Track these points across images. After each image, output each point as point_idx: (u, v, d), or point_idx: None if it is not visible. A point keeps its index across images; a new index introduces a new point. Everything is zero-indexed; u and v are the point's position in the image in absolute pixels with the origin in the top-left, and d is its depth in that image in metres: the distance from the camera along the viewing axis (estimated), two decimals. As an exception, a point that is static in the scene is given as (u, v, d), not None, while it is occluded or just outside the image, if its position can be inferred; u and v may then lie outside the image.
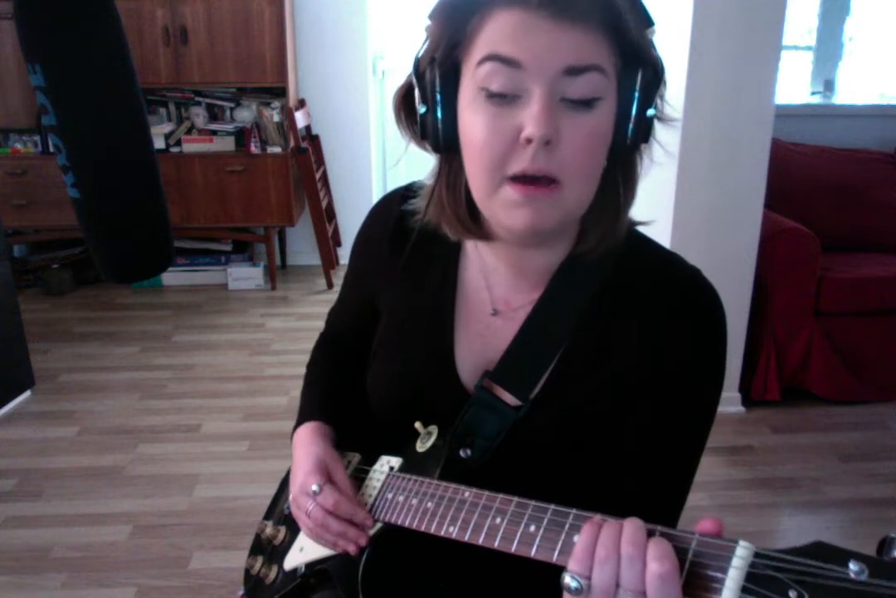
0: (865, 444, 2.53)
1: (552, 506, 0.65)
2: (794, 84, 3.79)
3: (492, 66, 0.67)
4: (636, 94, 0.69)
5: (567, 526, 0.63)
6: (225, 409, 2.75)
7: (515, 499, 0.68)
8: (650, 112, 0.70)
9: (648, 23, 0.69)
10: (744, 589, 0.52)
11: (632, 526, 0.59)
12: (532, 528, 0.65)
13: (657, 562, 0.55)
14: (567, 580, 0.59)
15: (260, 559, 0.99)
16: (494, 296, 0.85)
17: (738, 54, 2.30)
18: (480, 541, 0.68)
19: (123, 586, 1.86)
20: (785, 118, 2.87)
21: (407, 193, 0.90)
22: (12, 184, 3.71)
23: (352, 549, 0.82)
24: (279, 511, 1.02)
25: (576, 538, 0.61)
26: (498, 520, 0.68)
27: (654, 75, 0.69)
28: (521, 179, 0.69)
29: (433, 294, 0.88)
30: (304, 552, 0.92)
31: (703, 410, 0.81)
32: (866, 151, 3.20)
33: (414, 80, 0.73)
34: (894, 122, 3.43)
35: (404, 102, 0.77)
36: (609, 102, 0.69)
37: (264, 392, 2.87)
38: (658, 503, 0.82)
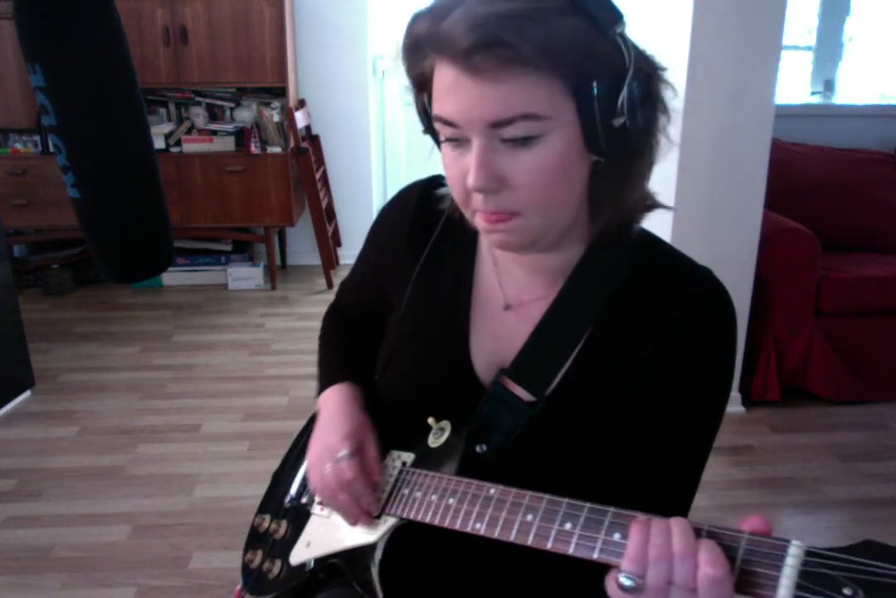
0: (865, 444, 2.54)
1: (588, 504, 0.66)
2: (794, 84, 3.79)
3: (439, 124, 0.73)
4: (595, 109, 0.68)
5: (606, 524, 0.64)
6: (225, 409, 2.74)
7: (546, 496, 0.69)
8: (617, 121, 0.69)
9: (605, 26, 0.67)
10: (798, 587, 0.53)
11: (680, 525, 0.60)
12: (568, 526, 0.65)
13: (710, 566, 0.56)
14: (622, 579, 0.60)
15: (260, 554, 0.98)
16: (507, 294, 0.86)
17: (738, 54, 2.30)
18: (512, 538, 0.69)
19: (123, 586, 1.86)
20: (785, 118, 2.87)
21: (428, 187, 0.91)
22: (12, 184, 3.71)
23: (350, 522, 0.83)
24: (278, 505, 1.02)
25: (616, 537, 0.62)
26: (529, 517, 0.68)
27: (616, 80, 0.68)
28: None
29: (449, 290, 0.89)
30: (311, 546, 0.91)
31: (715, 406, 0.82)
32: (866, 151, 3.19)
33: (414, 101, 0.79)
34: (894, 122, 3.43)
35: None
36: (555, 132, 0.69)
37: (264, 392, 2.86)
38: (670, 498, 0.82)
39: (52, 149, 1.91)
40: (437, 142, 0.78)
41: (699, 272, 0.82)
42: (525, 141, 0.69)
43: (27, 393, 2.82)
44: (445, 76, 0.70)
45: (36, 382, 2.87)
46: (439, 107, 0.72)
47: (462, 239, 0.88)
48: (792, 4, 2.39)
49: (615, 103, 0.69)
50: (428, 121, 0.77)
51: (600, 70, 0.68)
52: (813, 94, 3.73)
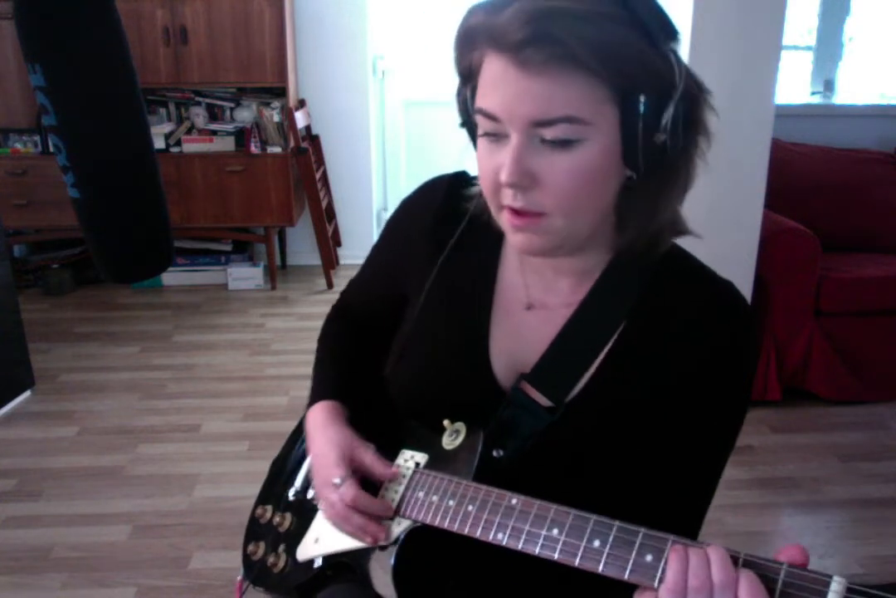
0: (865, 444, 2.53)
1: (617, 522, 0.65)
2: (794, 84, 3.79)
3: (480, 117, 0.73)
4: (639, 122, 0.68)
5: (637, 545, 0.63)
6: (225, 409, 2.74)
7: (573, 511, 0.68)
8: (661, 137, 0.69)
9: (659, 40, 0.67)
10: None
11: (719, 554, 0.60)
12: (596, 543, 0.65)
13: None
14: None
15: (262, 545, 0.98)
16: (531, 294, 0.85)
17: (738, 54, 2.30)
18: (537, 552, 0.68)
19: (123, 586, 1.86)
20: (785, 118, 2.87)
21: (455, 182, 0.90)
22: (12, 184, 3.71)
23: (369, 541, 0.82)
24: (279, 496, 1.01)
25: (648, 558, 0.62)
26: (555, 532, 0.68)
27: (664, 96, 0.68)
28: (511, 208, 0.73)
29: (471, 287, 0.88)
30: (319, 543, 0.90)
31: (734, 418, 0.82)
32: (866, 151, 3.19)
33: (456, 93, 0.78)
34: (894, 122, 3.43)
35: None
36: (595, 139, 0.69)
37: (264, 392, 2.86)
38: (685, 508, 0.82)
39: (52, 149, 1.90)
40: (473, 137, 0.78)
41: (721, 284, 0.82)
42: (564, 144, 0.69)
43: (27, 393, 2.82)
44: (493, 69, 0.69)
45: (36, 382, 2.86)
46: (483, 100, 0.71)
47: (487, 237, 0.87)
48: (792, 4, 2.39)
49: (659, 121, 0.68)
50: (467, 114, 0.77)
51: (649, 84, 0.67)
52: (813, 94, 3.73)
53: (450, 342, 0.88)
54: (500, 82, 0.69)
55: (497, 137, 0.72)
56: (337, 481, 0.82)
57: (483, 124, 0.72)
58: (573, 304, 0.82)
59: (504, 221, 0.75)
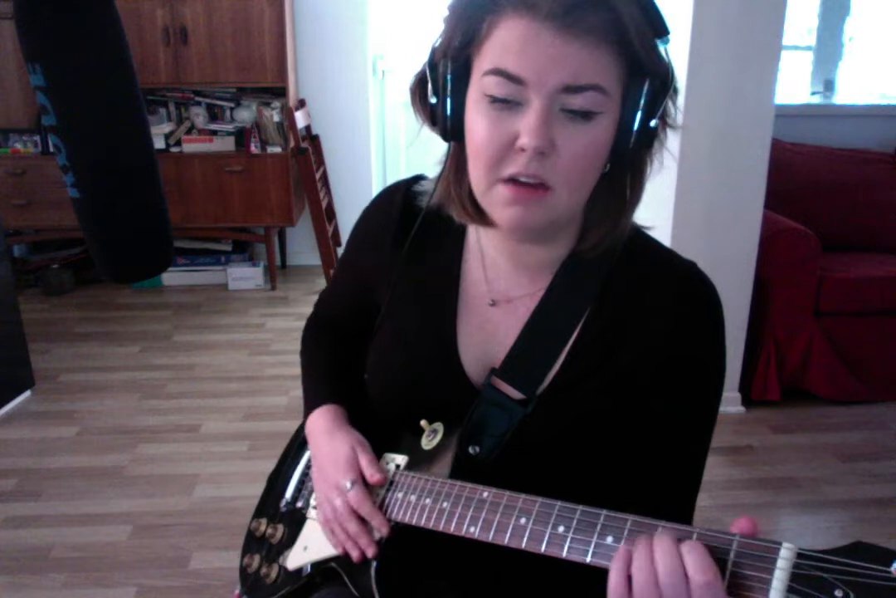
0: (865, 444, 2.53)
1: (580, 507, 0.66)
2: (794, 84, 3.79)
3: (496, 79, 0.69)
4: (640, 105, 0.70)
5: (599, 527, 0.64)
6: (225, 409, 2.74)
7: (540, 499, 0.68)
8: (654, 123, 0.71)
9: (660, 32, 0.70)
10: (789, 589, 0.53)
11: (662, 542, 0.59)
12: (561, 529, 0.65)
13: (700, 574, 0.57)
14: None
15: (257, 558, 0.98)
16: (493, 289, 0.86)
17: (738, 54, 2.30)
18: (505, 541, 0.69)
19: (123, 586, 1.86)
20: (785, 118, 2.87)
21: (411, 185, 0.90)
22: (12, 184, 3.71)
23: (355, 555, 0.81)
24: (274, 508, 1.01)
25: (609, 540, 0.62)
26: (523, 520, 0.68)
27: (661, 86, 0.70)
28: (514, 181, 0.71)
29: (436, 286, 0.88)
30: (308, 551, 0.91)
31: (710, 398, 0.83)
32: (866, 151, 3.19)
33: (427, 71, 0.75)
34: (894, 122, 3.43)
35: (419, 86, 0.78)
36: (609, 115, 0.70)
37: (264, 392, 2.87)
38: (673, 495, 0.82)
39: (52, 149, 1.91)
40: (424, 104, 0.76)
41: (684, 266, 0.82)
42: (584, 115, 0.69)
43: (27, 393, 2.82)
44: (518, 31, 0.67)
45: (36, 382, 2.87)
46: (503, 61, 0.68)
47: (448, 234, 0.88)
48: (792, 4, 2.39)
49: (654, 108, 0.71)
50: (447, 81, 0.73)
51: (653, 71, 0.70)
52: (813, 94, 3.73)
53: (419, 344, 0.88)
54: (529, 45, 0.67)
55: (509, 103, 0.69)
56: (347, 484, 0.82)
57: (495, 89, 0.69)
58: (536, 294, 0.83)
59: (498, 194, 0.73)
